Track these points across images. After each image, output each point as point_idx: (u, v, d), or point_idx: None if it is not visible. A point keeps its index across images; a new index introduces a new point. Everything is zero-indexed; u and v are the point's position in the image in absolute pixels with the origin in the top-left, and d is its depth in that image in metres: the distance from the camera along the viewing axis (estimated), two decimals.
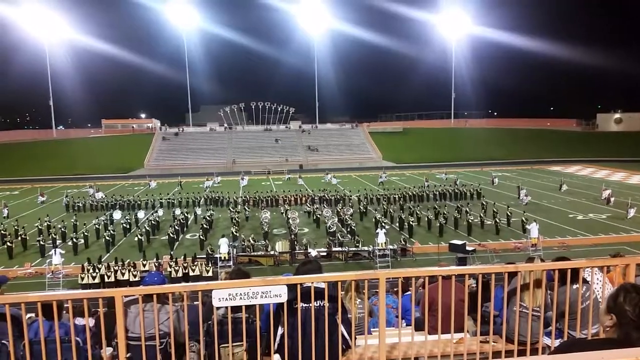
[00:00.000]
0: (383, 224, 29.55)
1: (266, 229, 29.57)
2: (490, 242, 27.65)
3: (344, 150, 78.05)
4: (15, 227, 29.96)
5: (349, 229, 29.17)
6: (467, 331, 4.75)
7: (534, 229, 25.85)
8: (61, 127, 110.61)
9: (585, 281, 4.41)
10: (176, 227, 30.12)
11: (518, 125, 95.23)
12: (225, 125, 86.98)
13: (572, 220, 33.00)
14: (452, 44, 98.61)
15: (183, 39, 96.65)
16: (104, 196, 43.79)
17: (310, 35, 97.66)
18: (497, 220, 30.08)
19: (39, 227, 30.34)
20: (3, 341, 3.66)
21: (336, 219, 31.42)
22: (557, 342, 4.25)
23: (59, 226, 30.86)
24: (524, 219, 29.03)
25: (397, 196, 39.87)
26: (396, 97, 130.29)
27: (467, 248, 24.35)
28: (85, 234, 29.11)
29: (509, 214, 31.30)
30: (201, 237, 28.43)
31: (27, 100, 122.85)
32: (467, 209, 32.24)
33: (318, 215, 33.29)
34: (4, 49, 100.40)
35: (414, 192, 41.37)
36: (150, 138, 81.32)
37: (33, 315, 4.24)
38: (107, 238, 28.32)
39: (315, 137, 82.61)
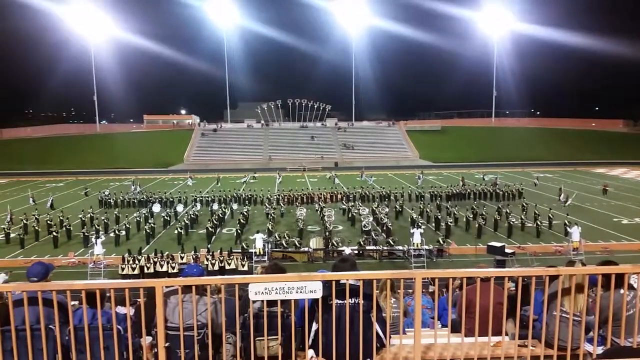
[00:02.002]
0: (419, 223, 29.30)
1: (301, 226, 29.71)
2: (530, 244, 26.91)
3: (379, 148, 77.52)
4: (61, 218, 31.22)
5: (384, 228, 28.99)
6: (506, 334, 4.64)
7: (575, 232, 25.03)
8: (104, 121, 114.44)
9: (631, 287, 4.24)
10: (214, 221, 30.65)
11: (562, 125, 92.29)
12: (262, 122, 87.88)
13: (617, 224, 31.76)
14: (494, 40, 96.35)
15: (223, 37, 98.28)
16: (140, 190, 45.23)
17: (348, 32, 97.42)
18: (539, 223, 29.23)
19: (82, 218, 31.49)
20: (50, 326, 3.81)
21: (371, 218, 31.24)
22: (599, 350, 4.11)
23: (102, 218, 31.99)
24: (566, 221, 28.11)
25: (435, 195, 39.26)
26: (435, 95, 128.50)
27: (506, 250, 23.84)
28: (127, 226, 29.97)
29: (551, 216, 30.41)
30: (238, 230, 28.86)
31: (72, 96, 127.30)
32: (507, 210, 31.49)
33: (354, 214, 33.09)
34: (51, 46, 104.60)
35: (453, 192, 40.60)
36: (189, 134, 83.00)
37: (77, 302, 4.39)
38: (148, 230, 29.06)
39: (351, 135, 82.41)
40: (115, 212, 33.30)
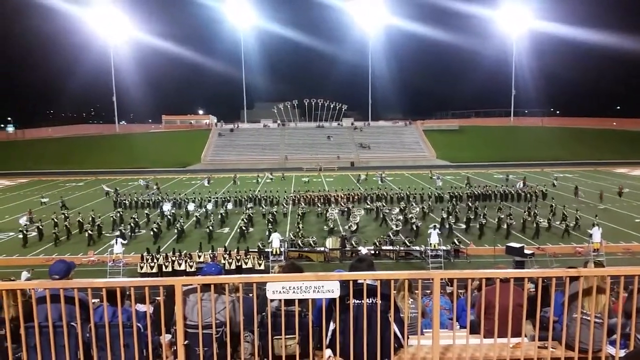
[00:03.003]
0: (451, 224, 29.16)
1: (332, 226, 29.75)
2: (550, 245, 26.52)
3: (396, 148, 77.17)
4: (92, 217, 31.94)
5: (414, 227, 28.83)
6: (525, 336, 4.59)
7: (596, 233, 24.59)
8: (123, 122, 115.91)
9: None
10: (244, 221, 31.02)
11: (582, 124, 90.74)
12: (279, 121, 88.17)
13: (639, 225, 31.12)
14: (513, 38, 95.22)
15: (240, 37, 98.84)
16: (155, 191, 46.03)
17: (365, 32, 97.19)
18: (568, 225, 28.75)
19: (114, 217, 32.11)
20: (72, 323, 3.87)
21: (402, 217, 31.11)
22: (622, 352, 4.04)
23: (133, 216, 32.66)
24: (595, 222, 27.53)
25: (456, 196, 38.71)
26: (452, 95, 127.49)
27: (525, 251, 23.55)
28: (159, 224, 30.34)
29: (578, 217, 29.96)
30: (270, 229, 28.96)
31: (92, 96, 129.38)
32: (536, 211, 31.16)
33: (384, 213, 32.83)
34: (72, 48, 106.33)
35: (475, 192, 39.91)
36: (207, 134, 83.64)
37: (97, 300, 4.46)
38: (155, 230, 29.18)
39: (368, 135, 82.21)
40: (134, 216, 33.55)
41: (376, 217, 33.85)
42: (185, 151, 74.35)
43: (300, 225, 29.42)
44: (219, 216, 33.02)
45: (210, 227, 29.31)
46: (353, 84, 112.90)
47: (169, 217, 32.60)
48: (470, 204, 34.76)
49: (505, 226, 28.85)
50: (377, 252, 24.77)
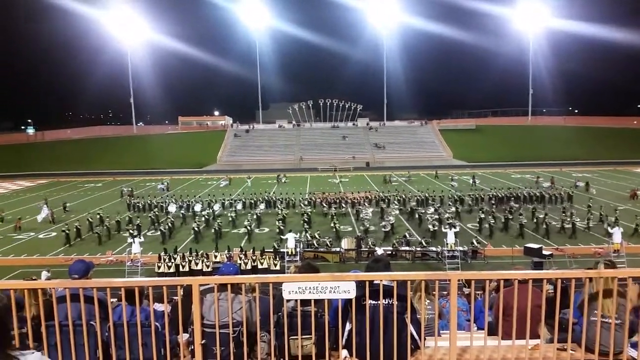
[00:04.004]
0: (455, 225, 28.85)
1: (367, 225, 29.57)
2: (569, 246, 26.12)
3: (412, 148, 76.77)
4: (99, 216, 32.31)
5: (451, 228, 28.52)
6: (544, 338, 4.53)
7: (617, 233, 24.17)
8: (141, 123, 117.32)
9: None
10: (249, 221, 31.03)
11: (601, 123, 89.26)
12: (294, 122, 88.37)
13: None
14: (529, 37, 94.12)
15: (254, 39, 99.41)
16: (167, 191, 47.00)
17: (379, 31, 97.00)
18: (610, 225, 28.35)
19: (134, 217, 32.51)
20: (91, 322, 3.93)
21: (437, 216, 30.86)
22: None
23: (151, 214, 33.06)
24: (612, 222, 27.06)
25: (477, 198, 38.04)
26: (468, 94, 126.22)
27: (544, 252, 23.26)
28: (170, 224, 30.64)
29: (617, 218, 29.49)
30: (306, 228, 28.99)
31: (109, 98, 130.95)
32: (573, 212, 30.87)
33: (420, 214, 32.45)
34: (90, 50, 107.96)
35: (497, 194, 38.68)
36: (223, 135, 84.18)
37: (115, 300, 4.51)
38: (196, 229, 29.31)
39: (383, 135, 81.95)
40: (151, 215, 33.86)
41: (411, 217, 33.42)
42: (201, 152, 74.95)
43: (336, 225, 29.38)
44: (229, 218, 32.79)
45: (216, 228, 29.44)
46: (368, 83, 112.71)
47: (171, 218, 32.70)
48: (505, 205, 34.28)
49: (544, 226, 28.43)
50: (393, 252, 24.65)
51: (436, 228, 28.29)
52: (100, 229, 30.43)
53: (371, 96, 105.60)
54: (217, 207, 35.87)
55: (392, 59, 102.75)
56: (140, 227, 30.27)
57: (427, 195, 38.53)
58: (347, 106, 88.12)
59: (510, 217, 30.51)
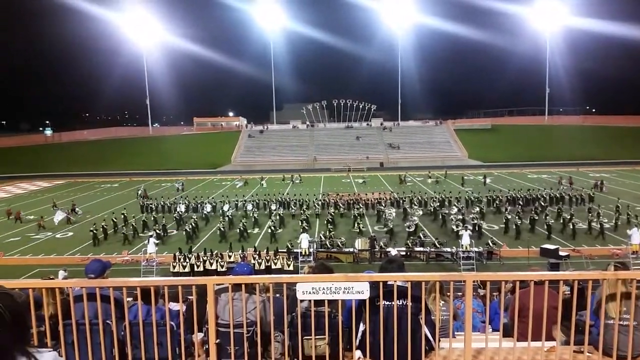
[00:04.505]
0: (517, 225, 28.59)
1: (391, 226, 29.35)
2: (586, 247, 25.77)
3: (426, 148, 76.36)
4: (124, 215, 32.78)
5: (476, 228, 28.29)
6: (559, 340, 4.47)
7: (635, 234, 23.76)
8: (156, 124, 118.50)
9: None
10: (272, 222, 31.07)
11: (619, 122, 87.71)
12: (308, 122, 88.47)
13: None
14: (546, 35, 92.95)
15: (269, 40, 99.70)
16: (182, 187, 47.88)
17: (393, 31, 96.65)
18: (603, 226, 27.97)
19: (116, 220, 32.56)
20: (107, 321, 3.97)
21: (460, 217, 30.54)
22: None
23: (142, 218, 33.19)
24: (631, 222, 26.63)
25: (494, 199, 36.99)
26: (484, 93, 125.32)
27: (560, 253, 22.94)
28: (193, 224, 30.72)
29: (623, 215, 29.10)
30: (331, 229, 28.90)
31: (126, 100, 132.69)
32: (600, 212, 30.15)
33: (444, 214, 32.18)
34: (106, 52, 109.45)
35: (515, 195, 37.52)
36: (237, 135, 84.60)
37: (130, 299, 4.55)
38: (221, 229, 29.51)
39: (397, 135, 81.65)
40: (175, 216, 34.11)
41: (434, 218, 33.14)
42: (216, 153, 75.42)
43: (360, 225, 29.26)
44: (252, 219, 32.67)
45: (241, 228, 29.58)
46: (382, 83, 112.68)
47: (176, 217, 32.94)
48: (532, 206, 33.82)
49: (571, 226, 28.08)
50: (407, 253, 24.54)
51: (460, 229, 27.97)
52: (125, 229, 30.79)
53: (385, 96, 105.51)
54: (226, 207, 35.84)
55: (407, 58, 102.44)
56: (165, 227, 30.61)
57: (444, 196, 37.74)
58: (360, 106, 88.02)
59: (536, 217, 30.07)
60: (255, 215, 33.32)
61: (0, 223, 35.55)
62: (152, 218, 33.08)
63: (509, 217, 30.20)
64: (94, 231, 29.11)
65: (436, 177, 55.01)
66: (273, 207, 36.17)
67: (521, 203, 35.34)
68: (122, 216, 33.64)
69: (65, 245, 28.86)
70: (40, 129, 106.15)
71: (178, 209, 35.40)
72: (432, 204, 35.20)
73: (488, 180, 49.87)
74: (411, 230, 28.28)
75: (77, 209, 37.84)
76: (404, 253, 24.26)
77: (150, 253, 24.28)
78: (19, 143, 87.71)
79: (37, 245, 29.33)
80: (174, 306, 4.51)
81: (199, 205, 36.89)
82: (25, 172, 66.22)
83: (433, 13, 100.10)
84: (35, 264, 25.09)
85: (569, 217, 29.50)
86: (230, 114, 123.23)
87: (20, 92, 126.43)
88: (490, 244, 25.06)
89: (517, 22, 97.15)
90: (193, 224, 30.52)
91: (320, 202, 37.57)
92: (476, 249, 23.81)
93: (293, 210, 34.95)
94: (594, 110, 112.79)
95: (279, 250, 24.27)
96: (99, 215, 36.52)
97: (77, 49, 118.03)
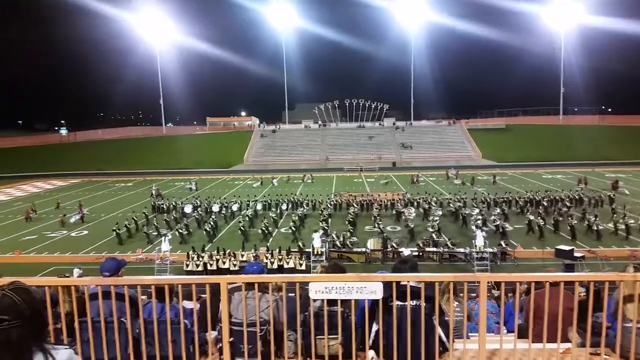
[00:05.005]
0: (540, 226, 28.35)
1: (411, 226, 29.05)
2: (602, 248, 25.42)
3: (439, 147, 75.91)
4: (134, 218, 32.94)
5: (499, 229, 28.07)
6: (574, 342, 4.42)
7: None
8: (170, 124, 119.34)
9: None
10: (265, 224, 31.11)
11: (636, 122, 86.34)
12: (320, 122, 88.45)
13: None
14: (561, 34, 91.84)
15: (281, 39, 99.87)
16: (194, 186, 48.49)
17: (406, 30, 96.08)
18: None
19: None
20: (122, 319, 4.01)
21: (481, 218, 30.05)
22: None
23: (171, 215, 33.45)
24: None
25: (509, 200, 36.41)
26: (498, 92, 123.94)
27: (576, 254, 22.68)
28: (212, 223, 30.85)
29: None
30: (351, 229, 28.92)
31: (140, 99, 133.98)
32: (626, 213, 29.76)
33: (464, 215, 31.74)
34: (120, 53, 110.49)
35: (532, 197, 36.64)
36: (249, 135, 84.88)
37: (145, 297, 4.59)
38: (241, 229, 29.43)
39: (410, 134, 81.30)
40: (195, 215, 34.29)
41: (455, 218, 32.71)
42: (229, 152, 75.75)
43: (380, 225, 29.18)
44: (246, 217, 32.49)
45: (263, 228, 29.46)
46: (395, 83, 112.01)
47: (176, 217, 33.01)
48: (555, 207, 33.36)
49: (595, 228, 27.68)
50: (419, 253, 24.41)
51: (478, 230, 27.61)
52: (147, 228, 31.06)
53: (398, 95, 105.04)
54: (235, 207, 35.90)
55: (420, 57, 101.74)
56: (188, 227, 30.73)
57: (461, 197, 37.15)
58: (373, 106, 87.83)
59: (560, 219, 29.69)
60: (274, 215, 33.32)
61: (17, 222, 36.00)
62: (164, 219, 33.18)
63: (531, 218, 29.71)
64: (117, 230, 29.40)
65: (463, 176, 53.81)
66: (284, 207, 36.19)
67: (545, 204, 34.74)
68: (144, 215, 33.98)
69: (80, 244, 29.19)
70: (56, 128, 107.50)
71: (185, 209, 35.40)
72: (452, 205, 34.68)
73: (498, 179, 49.34)
74: (435, 229, 27.71)
75: (84, 209, 37.70)
76: (416, 253, 24.12)
77: (164, 251, 24.47)
78: (35, 142, 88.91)
79: (52, 243, 29.71)
80: (188, 304, 4.54)
81: (207, 206, 36.63)
82: (41, 171, 67.12)
83: (446, 12, 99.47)
84: (51, 261, 25.42)
85: (592, 218, 28.93)
86: (243, 113, 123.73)
87: (36, 92, 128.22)
88: (503, 245, 24.79)
89: (532, 21, 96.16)
90: (212, 224, 30.70)
91: (332, 202, 37.49)
92: (490, 250, 23.58)
93: (306, 210, 34.88)
94: (610, 109, 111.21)
95: (291, 250, 24.31)
96: (114, 214, 36.92)
97: (92, 49, 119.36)
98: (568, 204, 34.62)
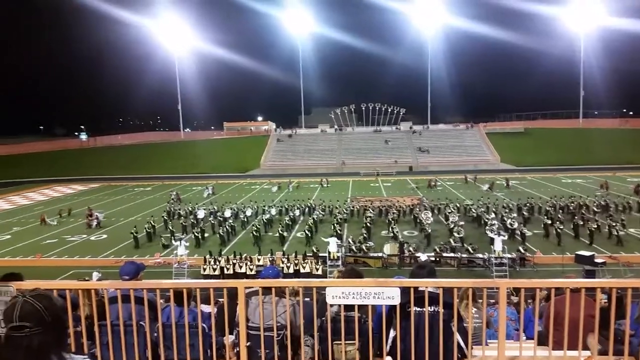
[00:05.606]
0: (558, 230, 27.91)
1: (429, 230, 28.74)
2: (623, 254, 24.91)
3: (457, 151, 75.35)
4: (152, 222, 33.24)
5: (518, 234, 27.79)
6: (594, 349, 4.33)
7: None
8: (188, 129, 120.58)
9: None
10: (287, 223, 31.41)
11: None
12: (336, 126, 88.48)
13: None
14: (580, 36, 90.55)
15: (297, 44, 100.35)
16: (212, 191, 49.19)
17: (423, 33, 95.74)
18: None
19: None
20: (141, 322, 4.05)
21: (497, 223, 29.66)
22: None
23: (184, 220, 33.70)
24: None
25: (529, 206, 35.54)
26: (516, 96, 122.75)
27: (596, 260, 22.29)
28: (229, 227, 31.19)
29: None
30: (365, 234, 28.89)
31: (158, 105, 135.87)
32: None
33: (486, 220, 31.38)
34: (139, 59, 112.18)
35: (556, 203, 35.64)
36: (266, 140, 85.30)
37: (163, 300, 4.62)
38: (254, 234, 29.35)
39: (427, 138, 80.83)
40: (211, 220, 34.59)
41: (478, 224, 32.15)
42: (245, 157, 76.18)
43: (394, 230, 29.09)
44: (261, 222, 32.39)
45: (254, 233, 29.33)
46: (411, 87, 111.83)
47: (230, 222, 32.82)
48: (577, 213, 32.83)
49: (616, 233, 27.18)
50: (437, 259, 24.17)
51: (494, 234, 27.19)
52: (164, 233, 31.40)
53: (414, 99, 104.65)
54: (249, 212, 35.88)
55: (437, 61, 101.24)
56: (204, 231, 30.90)
57: (484, 202, 36.83)
58: (389, 110, 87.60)
59: (581, 223, 29.21)
60: (287, 220, 33.28)
61: (38, 226, 36.63)
62: (181, 224, 33.47)
63: (548, 222, 29.25)
64: (135, 234, 29.75)
65: (481, 181, 53.09)
66: (297, 212, 36.04)
67: (572, 209, 34.08)
68: (163, 219, 34.43)
69: (99, 248, 29.59)
70: (76, 133, 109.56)
71: (198, 215, 35.38)
72: (475, 210, 34.21)
73: (517, 183, 48.58)
74: (461, 235, 27.29)
75: (96, 214, 37.65)
76: (433, 259, 23.90)
77: (180, 255, 24.67)
78: (56, 147, 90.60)
79: (72, 247, 30.18)
80: (206, 308, 4.56)
81: (217, 210, 36.74)
82: (62, 176, 68.28)
83: (464, 14, 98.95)
84: (71, 265, 25.81)
85: (615, 224, 28.20)
86: (260, 118, 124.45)
87: (57, 98, 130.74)
88: (522, 250, 24.44)
89: (551, 23, 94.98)
90: (228, 228, 30.86)
91: (349, 209, 37.13)
92: (509, 255, 23.24)
93: (322, 216, 34.79)
94: (631, 112, 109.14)
95: (307, 255, 24.30)
96: (133, 218, 37.34)
97: (111, 55, 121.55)
98: (595, 209, 33.70)
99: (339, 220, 32.04)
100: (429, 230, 28.79)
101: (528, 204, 35.47)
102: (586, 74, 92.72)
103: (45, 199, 52.18)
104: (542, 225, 29.39)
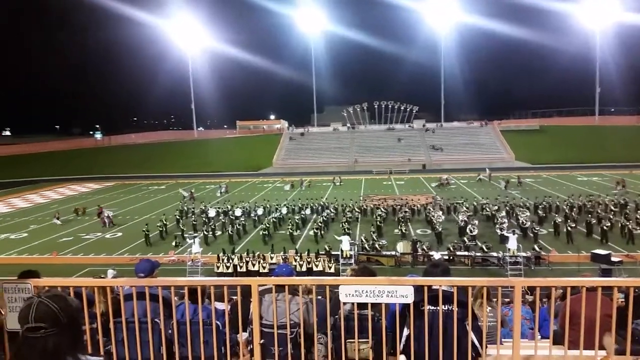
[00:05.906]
0: (536, 229, 27.66)
1: (439, 229, 28.60)
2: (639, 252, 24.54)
3: (471, 149, 74.70)
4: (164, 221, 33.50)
5: (531, 232, 27.57)
6: (610, 348, 4.27)
7: None
8: (201, 128, 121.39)
9: None
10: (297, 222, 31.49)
11: None
12: (348, 125, 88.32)
13: None
14: (596, 32, 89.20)
15: (310, 43, 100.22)
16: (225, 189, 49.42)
17: (436, 31, 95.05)
18: None
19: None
20: (156, 320, 4.08)
21: (506, 222, 29.55)
22: None
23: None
24: None
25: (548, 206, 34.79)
26: (531, 93, 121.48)
27: (613, 259, 21.99)
28: (240, 226, 31.36)
29: None
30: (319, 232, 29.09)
31: (172, 104, 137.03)
32: None
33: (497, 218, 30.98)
34: (153, 59, 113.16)
35: (573, 203, 34.91)
36: (278, 138, 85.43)
37: (177, 298, 4.66)
38: (262, 232, 29.76)
39: (440, 136, 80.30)
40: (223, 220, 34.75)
41: (494, 222, 31.24)
42: (258, 155, 76.38)
43: (402, 229, 29.13)
44: (272, 221, 32.46)
45: (263, 232, 29.66)
46: (424, 84, 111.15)
47: (274, 220, 32.97)
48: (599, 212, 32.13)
49: (626, 231, 26.89)
50: (450, 257, 24.02)
51: (504, 232, 26.93)
52: (176, 231, 31.62)
53: (428, 97, 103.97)
54: (260, 211, 35.88)
55: (450, 58, 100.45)
56: (214, 230, 31.16)
57: (501, 200, 36.39)
58: (402, 108, 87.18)
59: (595, 221, 28.84)
60: (297, 219, 33.30)
61: (54, 224, 37.11)
62: (192, 222, 33.65)
63: (559, 220, 28.92)
64: (147, 232, 30.02)
65: (495, 178, 52.55)
66: (308, 211, 36.11)
67: (589, 207, 33.58)
68: (176, 218, 34.71)
69: (114, 245, 29.92)
70: (91, 132, 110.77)
71: (209, 213, 35.50)
72: (489, 209, 33.89)
73: (532, 181, 48.00)
74: (474, 233, 27.20)
75: (106, 212, 37.73)
76: (447, 257, 23.76)
77: (194, 253, 24.83)
78: (71, 146, 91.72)
79: (87, 245, 30.55)
80: (220, 306, 4.59)
81: (228, 209, 36.90)
82: (77, 175, 69.12)
83: (477, 11, 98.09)
84: (87, 262, 26.13)
85: (630, 222, 27.75)
86: (272, 116, 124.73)
87: (72, 98, 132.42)
88: (537, 249, 24.18)
89: (565, 19, 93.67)
90: (239, 227, 31.00)
91: (361, 208, 36.80)
92: (524, 254, 22.99)
93: (333, 214, 34.77)
94: None
95: (320, 253, 24.31)
96: (147, 216, 37.68)
97: (126, 55, 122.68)
98: (613, 208, 32.95)
99: (348, 219, 32.00)
100: (440, 229, 28.64)
101: (545, 203, 34.85)
102: (602, 70, 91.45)
103: (60, 198, 52.89)
104: (553, 223, 29.05)
